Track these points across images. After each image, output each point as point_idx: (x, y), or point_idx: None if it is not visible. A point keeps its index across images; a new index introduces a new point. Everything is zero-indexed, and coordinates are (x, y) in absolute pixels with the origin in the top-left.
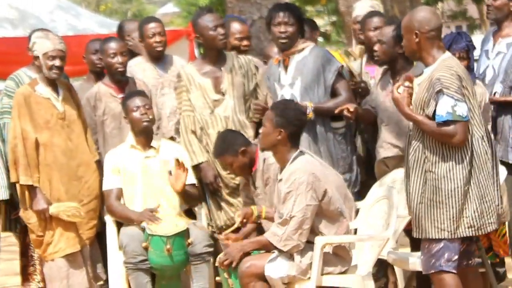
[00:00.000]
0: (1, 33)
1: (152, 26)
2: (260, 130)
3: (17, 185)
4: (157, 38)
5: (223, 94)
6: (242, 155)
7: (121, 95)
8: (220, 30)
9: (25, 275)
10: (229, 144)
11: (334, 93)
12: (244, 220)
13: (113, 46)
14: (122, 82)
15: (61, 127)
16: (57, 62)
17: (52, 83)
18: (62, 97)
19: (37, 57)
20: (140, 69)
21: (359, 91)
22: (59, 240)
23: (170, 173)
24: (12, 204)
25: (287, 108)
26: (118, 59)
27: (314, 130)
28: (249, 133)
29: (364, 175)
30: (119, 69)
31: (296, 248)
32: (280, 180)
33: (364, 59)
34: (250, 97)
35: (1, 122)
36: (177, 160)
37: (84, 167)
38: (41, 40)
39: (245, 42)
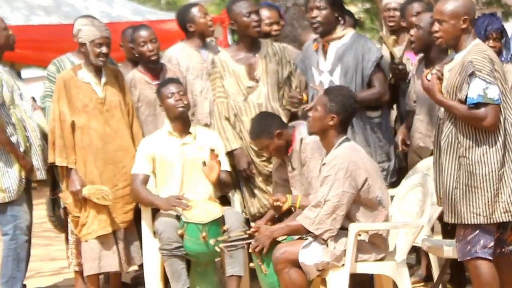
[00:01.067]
0: (35, 20)
1: (198, 9)
2: (310, 114)
3: (58, 167)
4: (208, 18)
5: (257, 81)
6: (278, 137)
7: (155, 82)
8: (254, 17)
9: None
10: (265, 126)
11: (369, 84)
12: (277, 203)
13: (142, 34)
14: (157, 69)
15: (99, 112)
16: (104, 49)
17: (96, 69)
18: (104, 83)
19: (83, 44)
20: (185, 54)
21: (397, 73)
22: (92, 221)
23: (204, 163)
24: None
25: (342, 94)
26: (149, 46)
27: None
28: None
29: (403, 162)
30: (152, 57)
31: (329, 233)
32: (324, 164)
33: (404, 44)
34: (284, 85)
35: (43, 105)
36: (212, 150)
37: (122, 152)
38: (87, 27)
39: (275, 27)
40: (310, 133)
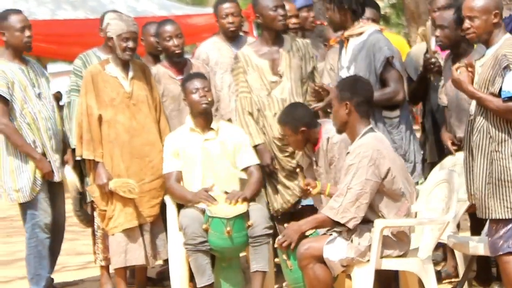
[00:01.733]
0: (61, 15)
1: (226, 7)
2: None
3: (86, 160)
4: (230, 19)
5: (280, 76)
6: (301, 134)
7: (179, 77)
8: (280, 11)
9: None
10: (294, 118)
11: (384, 83)
12: (307, 187)
13: (168, 29)
14: (180, 63)
15: (126, 106)
16: (130, 44)
17: (124, 63)
18: (131, 77)
19: (110, 38)
20: (215, 48)
21: (431, 68)
22: (118, 215)
23: (226, 193)
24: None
25: (348, 81)
26: (174, 41)
27: None
28: None
29: (436, 156)
30: (176, 51)
31: (353, 221)
32: (348, 153)
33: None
34: (308, 80)
35: (69, 99)
36: (226, 193)
37: (148, 146)
38: (115, 22)
39: (293, 20)
40: (339, 132)
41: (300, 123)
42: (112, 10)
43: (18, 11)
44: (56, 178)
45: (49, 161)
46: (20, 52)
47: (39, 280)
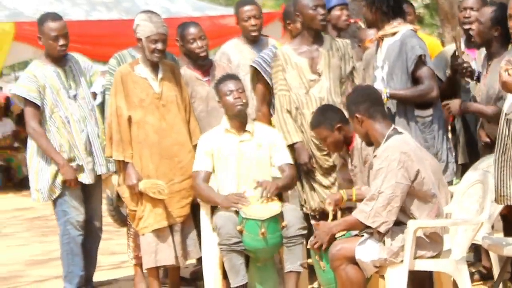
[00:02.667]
0: (96, 16)
1: (247, 9)
2: None
3: (115, 161)
4: (253, 21)
5: (319, 75)
6: (338, 131)
7: (206, 78)
8: (320, 10)
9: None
10: (327, 117)
11: (417, 81)
12: (336, 207)
13: (192, 31)
14: (206, 65)
15: (155, 107)
16: (159, 46)
17: (153, 64)
18: (161, 78)
19: (140, 39)
20: (237, 50)
21: (462, 72)
22: (148, 215)
23: (257, 182)
24: None
25: (351, 95)
26: (198, 43)
27: (393, 119)
28: None
29: (467, 158)
30: (200, 54)
31: (385, 225)
32: (375, 156)
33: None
34: (347, 80)
35: (102, 99)
36: (257, 182)
37: (178, 146)
38: (144, 23)
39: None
40: (368, 145)
41: (334, 120)
42: (145, 11)
43: (56, 18)
44: (86, 180)
45: (80, 164)
46: (55, 57)
47: (72, 277)
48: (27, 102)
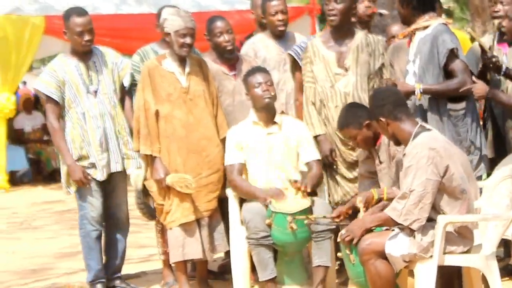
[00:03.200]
0: (126, 10)
1: (274, 4)
2: None
3: (142, 155)
4: (280, 16)
5: (346, 70)
6: (367, 128)
7: (232, 73)
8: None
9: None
10: (354, 116)
11: (450, 75)
12: (366, 205)
13: (218, 25)
14: (232, 59)
15: (183, 101)
16: (187, 40)
17: (181, 59)
18: (188, 72)
19: (168, 34)
20: (263, 45)
21: (490, 66)
22: (176, 209)
23: (290, 181)
24: None
25: (372, 98)
26: (225, 37)
27: (425, 113)
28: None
29: (494, 152)
30: (227, 48)
31: (417, 222)
32: (404, 154)
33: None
34: (375, 77)
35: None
36: (293, 181)
37: (205, 140)
38: (172, 17)
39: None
40: (396, 144)
41: (362, 117)
42: (169, 5)
43: (81, 13)
44: (100, 177)
45: (93, 162)
46: (79, 52)
47: (89, 270)
48: (47, 97)
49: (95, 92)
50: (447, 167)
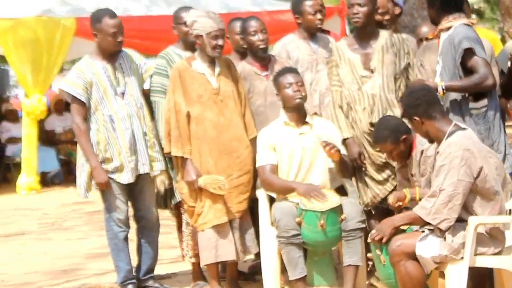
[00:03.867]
0: (155, 11)
1: (313, 3)
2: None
3: (173, 157)
4: (319, 15)
5: (372, 71)
6: (403, 142)
7: (265, 73)
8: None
9: (182, 249)
10: (392, 131)
11: (472, 73)
12: (398, 204)
13: (253, 24)
14: (265, 59)
15: (213, 102)
16: (220, 41)
17: (210, 60)
18: (218, 73)
19: (199, 36)
20: (294, 45)
21: None
22: (208, 211)
23: (324, 143)
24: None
25: (404, 98)
26: (259, 36)
27: (447, 111)
28: (396, 112)
29: None
30: (261, 46)
31: (446, 222)
32: (437, 153)
33: None
34: (401, 76)
35: (152, 100)
36: (322, 142)
37: (236, 141)
38: (203, 19)
39: (386, 17)
40: (430, 142)
41: (399, 132)
42: (186, 6)
43: (112, 14)
44: (125, 180)
45: (117, 165)
46: (109, 53)
47: (118, 271)
48: (73, 98)
49: (122, 94)
50: (481, 168)
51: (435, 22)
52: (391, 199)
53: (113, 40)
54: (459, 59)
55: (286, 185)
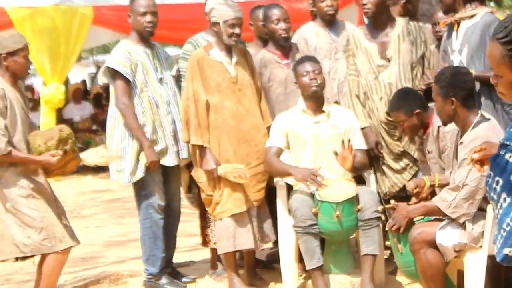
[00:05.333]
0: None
1: None
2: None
3: (190, 145)
4: (329, 2)
5: (388, 60)
6: (416, 116)
7: (285, 61)
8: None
9: (203, 236)
10: (407, 102)
11: None
12: (417, 190)
13: (276, 12)
14: (286, 48)
15: (232, 91)
16: (236, 30)
17: (227, 48)
18: (235, 62)
19: (216, 23)
20: (313, 33)
21: None
22: (226, 200)
23: (336, 153)
24: (189, 165)
25: (449, 75)
26: (282, 25)
27: (478, 101)
28: None
29: None
30: (283, 35)
31: (465, 217)
32: (461, 143)
33: None
34: (418, 65)
35: (182, 85)
36: (343, 142)
37: (254, 130)
38: (221, 7)
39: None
40: (444, 124)
41: (414, 106)
42: None
43: None
44: (170, 163)
45: (162, 148)
46: (144, 36)
47: (154, 260)
48: (119, 76)
49: (161, 79)
50: None
51: (454, 9)
52: (410, 186)
53: (141, 19)
54: None
55: (284, 168)
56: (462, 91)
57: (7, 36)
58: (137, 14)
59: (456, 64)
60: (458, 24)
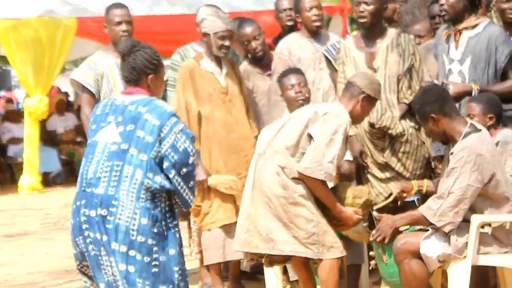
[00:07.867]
0: (158, 11)
1: (308, 0)
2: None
3: None
4: (315, 11)
5: (375, 71)
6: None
7: (267, 72)
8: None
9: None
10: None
11: (505, 76)
12: (403, 194)
13: (246, 32)
14: (265, 61)
15: (222, 101)
16: (226, 42)
17: (217, 58)
18: (225, 72)
19: (207, 34)
20: (297, 44)
21: None
22: (216, 211)
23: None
24: None
25: (419, 96)
26: (252, 45)
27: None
28: (395, 113)
29: None
30: (257, 55)
31: (450, 226)
32: (451, 153)
33: None
34: (404, 77)
35: (166, 94)
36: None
37: (243, 140)
38: (212, 18)
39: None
40: (444, 144)
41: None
42: (209, 4)
43: (119, 5)
44: None
45: None
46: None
47: None
48: (84, 88)
49: None
50: (493, 175)
51: (459, 18)
52: (396, 189)
53: (116, 29)
54: (505, 61)
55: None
56: (436, 103)
57: None
58: (112, 24)
59: (455, 73)
60: (460, 33)
